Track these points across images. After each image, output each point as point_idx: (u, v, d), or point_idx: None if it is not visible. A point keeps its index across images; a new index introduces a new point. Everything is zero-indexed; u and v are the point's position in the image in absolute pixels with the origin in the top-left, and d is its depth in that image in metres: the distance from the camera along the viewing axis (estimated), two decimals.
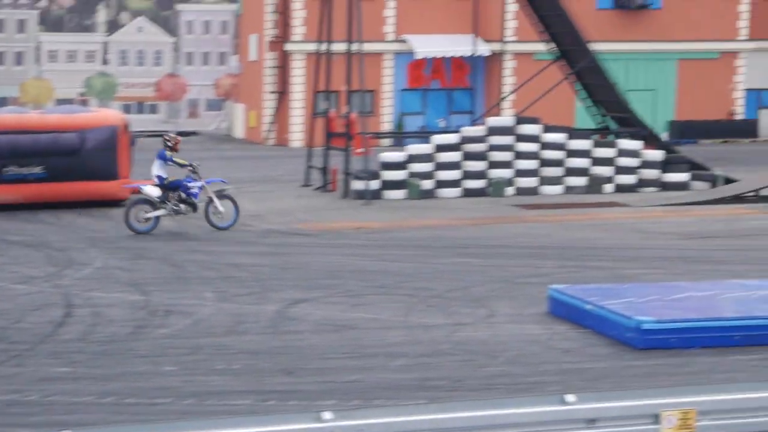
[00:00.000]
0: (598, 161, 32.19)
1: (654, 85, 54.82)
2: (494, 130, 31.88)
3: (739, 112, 56.30)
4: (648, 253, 21.90)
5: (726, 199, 29.90)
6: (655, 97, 54.28)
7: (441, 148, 31.62)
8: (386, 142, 48.43)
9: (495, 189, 31.41)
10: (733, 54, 56.10)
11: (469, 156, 31.53)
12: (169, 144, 23.90)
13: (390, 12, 54.49)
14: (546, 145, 31.91)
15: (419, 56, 54.19)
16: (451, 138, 32.13)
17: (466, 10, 53.35)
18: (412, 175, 31.24)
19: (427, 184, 31.28)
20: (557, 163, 31.95)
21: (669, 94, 55.43)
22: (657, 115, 51.88)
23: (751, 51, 55.99)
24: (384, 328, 14.82)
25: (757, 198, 30.30)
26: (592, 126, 36.04)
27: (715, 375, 12.50)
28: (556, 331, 14.60)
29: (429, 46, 53.93)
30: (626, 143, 32.78)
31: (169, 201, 23.79)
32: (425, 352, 13.46)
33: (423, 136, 38.60)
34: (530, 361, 13.05)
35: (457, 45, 53.51)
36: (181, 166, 24.03)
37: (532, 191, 31.69)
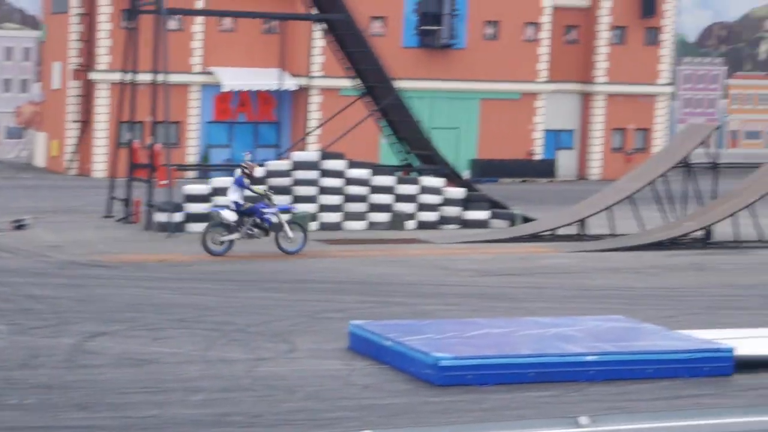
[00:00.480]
0: (401, 198, 32.63)
1: (457, 124, 55.81)
2: (299, 165, 32.00)
3: (538, 152, 57.90)
4: (448, 289, 22.29)
5: (524, 237, 30.66)
6: (458, 136, 55.27)
7: None
8: (191, 174, 48.00)
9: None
10: (533, 95, 57.72)
11: (274, 190, 31.50)
12: (246, 171, 25.56)
13: (197, 44, 54.19)
14: (350, 181, 32.19)
15: (226, 89, 54.02)
16: (255, 172, 32.05)
17: (274, 44, 53.38)
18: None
19: None
20: (361, 198, 32.25)
21: (471, 133, 56.58)
22: (459, 153, 52.86)
23: (550, 93, 57.74)
24: (184, 362, 14.69)
25: (553, 237, 31.16)
26: (396, 163, 36.51)
27: (507, 412, 12.77)
28: (356, 366, 14.71)
29: (236, 79, 53.81)
30: (429, 180, 33.35)
31: (243, 225, 25.38)
32: (225, 387, 13.39)
33: (228, 168, 38.42)
34: (329, 397, 13.11)
35: (264, 78, 53.51)
36: (258, 194, 25.73)
37: (336, 226, 31.88)
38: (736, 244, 30.05)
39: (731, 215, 30.09)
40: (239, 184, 25.55)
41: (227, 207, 25.71)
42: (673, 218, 31.57)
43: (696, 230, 30.58)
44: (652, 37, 60.24)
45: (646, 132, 60.01)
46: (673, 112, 61.26)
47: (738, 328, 17.57)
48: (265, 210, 25.55)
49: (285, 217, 26.12)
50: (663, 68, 60.71)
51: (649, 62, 60.08)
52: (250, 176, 25.68)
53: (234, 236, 25.47)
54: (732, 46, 62.98)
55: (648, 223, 31.42)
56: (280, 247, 25.84)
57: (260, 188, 26.07)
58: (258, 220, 25.51)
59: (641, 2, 59.30)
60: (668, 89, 61.08)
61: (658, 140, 59.43)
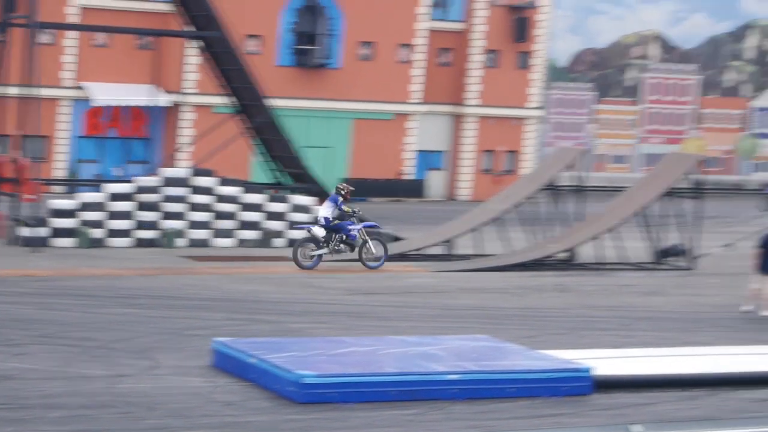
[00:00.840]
0: (272, 215, 32.62)
1: (330, 143, 55.96)
2: (169, 181, 31.79)
3: (409, 173, 58.33)
4: (315, 307, 22.33)
5: (392, 256, 30.85)
6: (331, 155, 55.42)
7: (114, 197, 31.27)
8: (59, 189, 47.26)
9: (167, 240, 31.27)
10: (405, 116, 58.16)
11: (143, 206, 31.28)
12: (342, 192, 27.51)
13: (69, 58, 53.38)
14: (221, 198, 32.09)
15: (97, 104, 53.35)
16: (125, 187, 31.82)
17: (147, 60, 52.96)
18: (84, 223, 30.70)
19: (98, 233, 30.79)
20: (231, 216, 32.15)
21: (344, 152, 56.80)
22: (332, 172, 52.93)
23: (422, 114, 58.26)
24: (43, 378, 14.46)
25: (420, 256, 31.44)
26: (268, 181, 36.48)
27: (370, 430, 12.85)
28: (219, 383, 14.65)
29: (107, 94, 53.15)
30: (299, 199, 33.40)
31: (332, 241, 27.15)
32: (84, 403, 13.21)
33: (96, 184, 37.95)
34: (191, 414, 13.03)
35: (137, 94, 52.92)
36: (348, 213, 27.49)
37: (205, 243, 31.75)
38: (598, 266, 30.68)
39: (595, 238, 30.76)
40: (334, 201, 27.50)
41: (317, 223, 27.61)
42: (539, 240, 32.11)
43: (561, 252, 31.18)
44: (524, 61, 61.22)
45: (515, 154, 60.88)
46: (542, 135, 62.34)
47: (598, 349, 17.98)
48: (351, 227, 27.42)
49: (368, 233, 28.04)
50: (533, 92, 61.72)
51: (521, 86, 61.04)
52: (345, 197, 27.50)
53: (323, 251, 27.31)
54: (601, 71, 64.24)
55: (514, 245, 31.91)
56: (363, 262, 27.80)
57: (350, 208, 27.78)
58: (344, 237, 27.34)
59: (514, 27, 60.26)
60: (538, 113, 62.07)
61: (527, 163, 60.30)
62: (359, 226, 27.71)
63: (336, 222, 27.40)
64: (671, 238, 32.37)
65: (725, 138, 67.39)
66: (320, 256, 27.34)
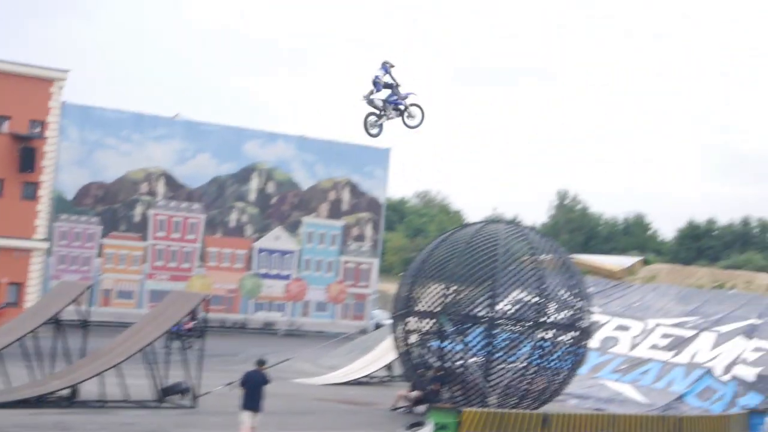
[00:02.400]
0: None
1: None
2: None
3: None
4: None
5: None
6: None
7: None
8: None
9: None
10: None
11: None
12: (390, 63, 29.85)
13: None
14: None
15: None
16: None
17: None
18: None
19: None
20: None
21: None
22: None
23: None
24: None
25: None
26: None
27: None
28: None
29: None
30: None
31: (386, 110, 29.82)
32: None
33: None
34: None
35: None
36: (389, 85, 29.85)
37: None
38: (101, 404, 30.35)
39: (98, 374, 30.43)
40: (384, 69, 29.79)
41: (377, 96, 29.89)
42: (40, 375, 31.33)
43: (62, 388, 30.55)
44: (30, 191, 60.25)
45: (19, 286, 59.38)
46: (48, 268, 61.20)
47: None
48: (395, 98, 29.91)
49: (410, 99, 30.26)
50: (39, 223, 60.79)
51: (26, 217, 59.95)
52: (392, 66, 30.02)
53: (383, 120, 29.86)
54: (109, 206, 64.19)
55: (15, 380, 30.95)
56: (405, 124, 30.20)
57: (390, 80, 30.06)
58: (394, 106, 29.95)
59: (20, 156, 59.29)
60: (44, 245, 61.03)
61: (32, 295, 58.95)
62: (404, 95, 30.08)
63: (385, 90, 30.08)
64: (175, 375, 32.64)
65: (230, 277, 69.18)
66: (382, 124, 30.01)
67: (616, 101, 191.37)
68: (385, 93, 29.72)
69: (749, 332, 43.90)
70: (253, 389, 25.05)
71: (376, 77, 29.92)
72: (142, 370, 31.81)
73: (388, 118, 30.28)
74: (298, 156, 72.27)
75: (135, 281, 65.64)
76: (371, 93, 29.84)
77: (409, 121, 30.56)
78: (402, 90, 30.23)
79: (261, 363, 25.81)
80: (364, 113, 30.09)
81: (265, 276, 70.47)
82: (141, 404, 31.06)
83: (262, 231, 70.76)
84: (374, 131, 30.02)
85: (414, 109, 30.34)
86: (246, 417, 24.86)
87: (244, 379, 25.32)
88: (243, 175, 70.41)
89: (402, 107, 30.07)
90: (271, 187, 71.53)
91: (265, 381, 25.31)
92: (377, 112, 29.91)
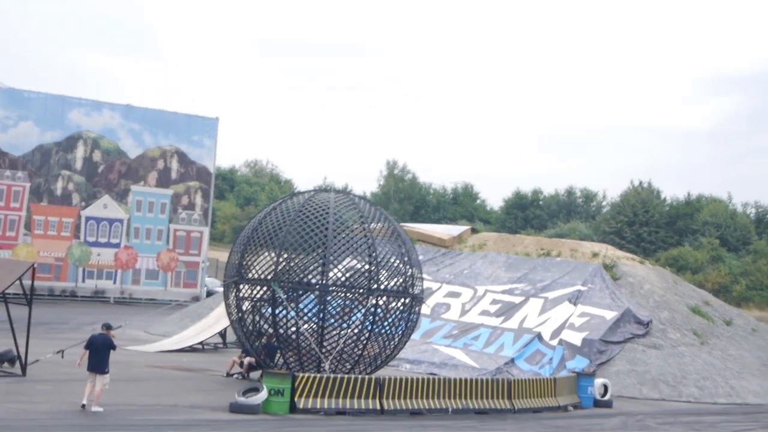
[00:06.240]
0: None
1: None
2: None
3: None
4: None
5: None
6: None
7: None
8: None
9: None
10: None
11: None
12: None
13: None
14: None
15: None
16: None
17: None
18: None
19: None
20: None
21: None
22: None
23: None
24: None
25: None
26: None
27: None
28: None
29: None
30: None
31: None
32: None
33: None
34: None
35: None
36: None
37: None
38: None
39: None
40: None
41: None
42: None
43: None
44: None
45: None
46: None
47: None
48: None
49: None
50: None
51: None
52: None
53: None
54: None
55: None
56: None
57: None
58: None
59: None
60: None
61: None
62: None
63: None
64: (2, 344, 31.97)
65: (57, 245, 67.87)
66: None
67: (445, 75, 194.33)
68: None
69: (575, 298, 45.18)
70: (97, 351, 26.01)
71: None
72: None
73: None
74: (124, 125, 71.31)
75: None
76: None
77: None
78: None
79: (108, 327, 26.76)
80: None
81: (94, 244, 69.37)
82: None
83: (90, 199, 69.60)
84: None
85: None
86: (89, 377, 25.88)
87: (90, 341, 26.25)
88: (68, 144, 69.16)
89: None
90: (97, 156, 70.43)
91: (111, 345, 26.37)
92: None
